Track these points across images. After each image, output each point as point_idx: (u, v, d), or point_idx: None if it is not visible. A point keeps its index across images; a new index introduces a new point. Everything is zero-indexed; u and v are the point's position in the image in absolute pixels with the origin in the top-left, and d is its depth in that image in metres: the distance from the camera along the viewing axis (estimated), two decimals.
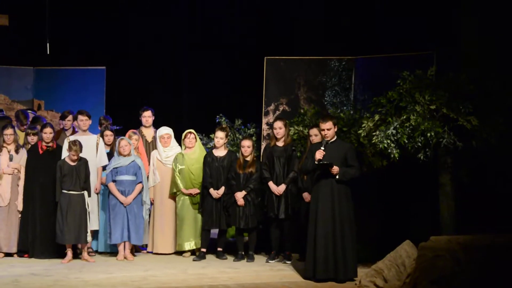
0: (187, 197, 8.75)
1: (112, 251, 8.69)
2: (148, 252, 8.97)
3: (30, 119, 9.67)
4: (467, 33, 8.64)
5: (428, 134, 7.37)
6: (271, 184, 8.32)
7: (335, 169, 7.17)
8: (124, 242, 8.45)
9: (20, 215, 8.62)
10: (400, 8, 9.66)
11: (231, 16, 11.77)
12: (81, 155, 8.34)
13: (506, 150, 7.68)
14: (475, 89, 7.53)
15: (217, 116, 9.86)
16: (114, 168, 8.52)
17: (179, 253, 8.81)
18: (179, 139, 9.00)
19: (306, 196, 8.14)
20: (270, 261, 8.33)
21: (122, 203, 8.45)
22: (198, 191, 8.71)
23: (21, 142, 8.89)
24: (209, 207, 8.55)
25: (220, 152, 8.66)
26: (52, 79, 10.84)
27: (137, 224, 8.50)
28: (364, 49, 9.84)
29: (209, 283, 7.12)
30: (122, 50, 11.49)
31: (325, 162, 7.16)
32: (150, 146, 9.27)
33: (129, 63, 11.40)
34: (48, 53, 10.79)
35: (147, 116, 9.32)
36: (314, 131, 8.12)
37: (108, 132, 9.01)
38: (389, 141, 7.47)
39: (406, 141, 7.45)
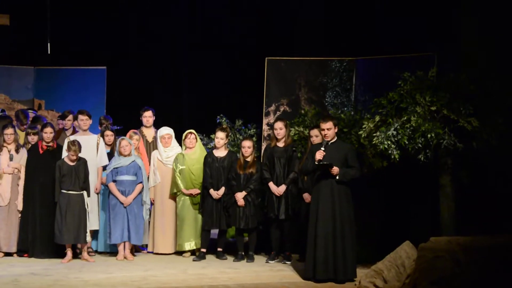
0: (188, 197, 8.75)
1: (112, 251, 8.69)
2: (148, 252, 8.97)
3: (30, 118, 9.68)
4: (467, 33, 8.64)
5: (429, 135, 7.37)
6: (271, 184, 8.32)
7: (335, 169, 7.17)
8: (124, 242, 8.45)
9: (20, 215, 8.62)
10: (400, 8, 9.67)
11: (231, 16, 11.77)
12: (81, 155, 8.34)
13: (506, 150, 7.68)
14: (475, 89, 7.54)
15: (218, 117, 9.86)
16: (114, 168, 8.52)
17: (179, 253, 8.81)
18: (179, 139, 9.00)
19: (306, 196, 8.14)
20: (270, 262, 8.33)
21: (122, 203, 8.45)
22: (198, 191, 8.71)
23: (21, 141, 8.89)
24: (209, 207, 8.55)
25: (221, 153, 8.66)
26: (52, 78, 10.85)
27: (137, 224, 8.50)
28: (365, 50, 9.85)
29: (209, 283, 7.12)
30: (122, 50, 11.50)
31: (325, 163, 7.16)
32: (151, 146, 9.27)
33: (129, 63, 11.42)
34: (48, 52, 10.83)
35: (148, 116, 9.33)
36: (314, 132, 8.12)
37: (108, 132, 9.02)
38: (389, 142, 7.47)
39: (407, 142, 7.46)
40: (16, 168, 8.65)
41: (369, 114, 8.19)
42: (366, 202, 8.33)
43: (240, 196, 8.36)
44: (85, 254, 8.37)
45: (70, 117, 9.56)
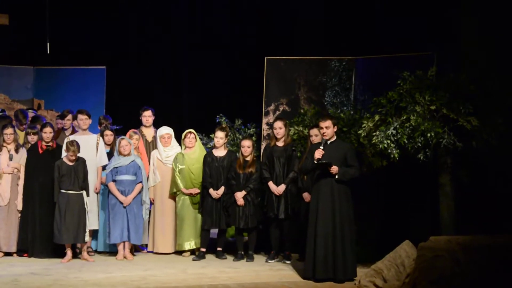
0: (187, 197, 8.75)
1: (112, 250, 8.69)
2: (148, 251, 8.97)
3: (30, 118, 9.67)
4: (467, 33, 8.64)
5: (428, 135, 7.37)
6: (271, 184, 8.32)
7: (334, 168, 7.17)
8: (124, 241, 8.45)
9: (19, 215, 8.62)
10: (400, 8, 9.67)
11: (231, 16, 11.77)
12: (80, 154, 8.34)
13: (506, 150, 7.68)
14: (475, 89, 7.54)
15: (217, 116, 9.86)
16: (114, 167, 8.52)
17: (179, 252, 8.81)
18: (179, 139, 9.00)
19: (306, 196, 8.14)
20: (269, 261, 8.33)
21: (121, 203, 8.45)
22: (198, 191, 8.71)
23: (20, 141, 8.89)
24: (209, 207, 8.54)
25: (220, 152, 8.66)
26: (52, 78, 10.84)
27: (137, 224, 8.50)
28: (364, 50, 9.85)
29: (209, 282, 7.11)
30: (122, 50, 11.50)
31: (324, 162, 7.16)
32: (150, 145, 9.27)
33: (129, 63, 11.42)
34: (48, 52, 10.81)
35: (148, 116, 9.33)
36: (314, 131, 8.12)
37: (108, 132, 9.01)
38: (389, 141, 7.47)
39: (406, 142, 7.45)
40: (15, 168, 8.65)
41: (368, 114, 8.19)
42: (365, 201, 8.34)
43: (239, 196, 8.35)
44: (84, 253, 8.37)
45: (69, 116, 9.55)
